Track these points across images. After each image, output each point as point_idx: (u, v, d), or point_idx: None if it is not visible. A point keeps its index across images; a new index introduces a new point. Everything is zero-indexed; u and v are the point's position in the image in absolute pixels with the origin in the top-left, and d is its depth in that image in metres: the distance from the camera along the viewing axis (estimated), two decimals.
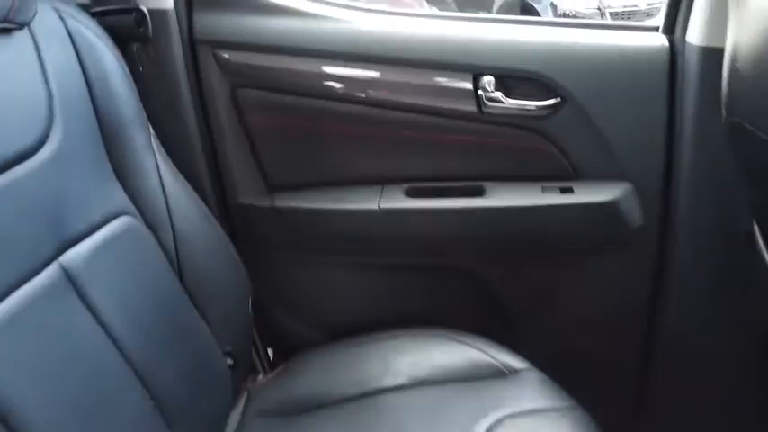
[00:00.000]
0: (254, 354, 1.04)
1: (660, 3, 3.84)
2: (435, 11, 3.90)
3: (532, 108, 0.90)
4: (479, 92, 0.90)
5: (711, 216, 0.91)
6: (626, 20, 3.90)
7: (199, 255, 0.80)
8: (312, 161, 1.00)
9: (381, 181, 0.98)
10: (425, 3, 3.69)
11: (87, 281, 0.62)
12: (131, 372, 0.65)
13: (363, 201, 0.97)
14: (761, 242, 0.75)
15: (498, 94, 0.89)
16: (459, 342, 0.90)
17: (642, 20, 3.85)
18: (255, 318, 0.95)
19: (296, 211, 0.99)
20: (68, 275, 0.61)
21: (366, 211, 0.96)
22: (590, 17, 3.94)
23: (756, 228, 0.76)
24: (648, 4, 3.86)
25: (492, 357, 0.87)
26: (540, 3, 4.14)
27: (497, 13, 3.96)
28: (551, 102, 0.89)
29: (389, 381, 0.85)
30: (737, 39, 0.63)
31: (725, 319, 0.96)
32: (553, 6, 4.09)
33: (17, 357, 0.54)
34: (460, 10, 4.05)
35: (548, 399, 0.79)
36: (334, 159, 1.00)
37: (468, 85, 0.90)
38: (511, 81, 0.90)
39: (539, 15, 4.09)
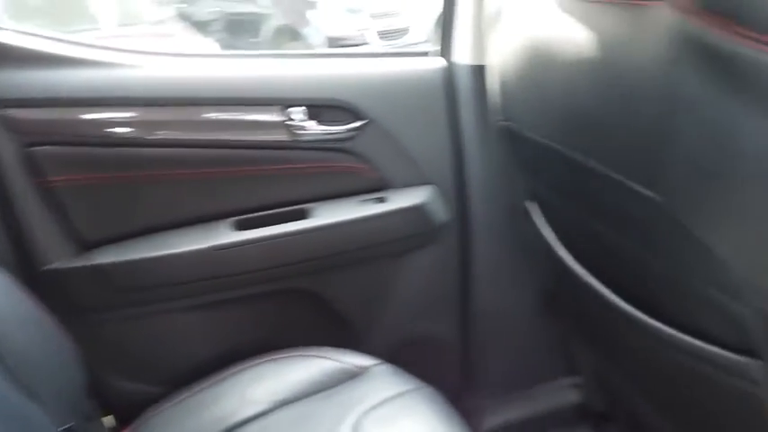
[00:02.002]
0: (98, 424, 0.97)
1: (414, 22, 4.30)
2: (206, 41, 3.88)
3: (340, 132, 0.99)
4: (289, 122, 0.97)
5: (498, 202, 1.09)
6: (390, 38, 4.29)
7: (15, 332, 0.73)
8: (129, 211, 0.97)
9: (207, 219, 0.99)
10: (191, 33, 3.65)
11: None
12: None
13: (191, 242, 0.96)
14: (535, 216, 0.94)
15: (309, 123, 0.97)
16: (310, 357, 0.95)
17: (401, 36, 4.27)
18: (92, 386, 0.89)
19: (118, 266, 0.94)
20: None
21: (195, 251, 0.96)
22: (355, 39, 4.25)
23: (531, 205, 0.95)
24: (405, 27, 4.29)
25: (343, 362, 0.93)
26: (307, 26, 4.34)
27: (271, 39, 4.08)
28: (357, 124, 1.00)
29: (250, 410, 0.85)
30: (502, 57, 0.78)
31: (520, 286, 1.15)
32: (319, 31, 4.32)
33: None
34: (230, 38, 4.09)
35: (399, 385, 0.87)
36: (152, 206, 0.98)
37: (279, 118, 0.96)
38: (319, 110, 0.98)
39: (308, 41, 4.29)
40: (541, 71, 0.71)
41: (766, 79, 0.43)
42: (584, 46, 0.61)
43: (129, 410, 1.00)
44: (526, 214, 0.97)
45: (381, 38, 4.24)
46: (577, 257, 0.85)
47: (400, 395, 0.86)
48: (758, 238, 0.49)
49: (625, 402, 1.05)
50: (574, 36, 0.63)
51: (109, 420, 1.04)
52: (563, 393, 1.25)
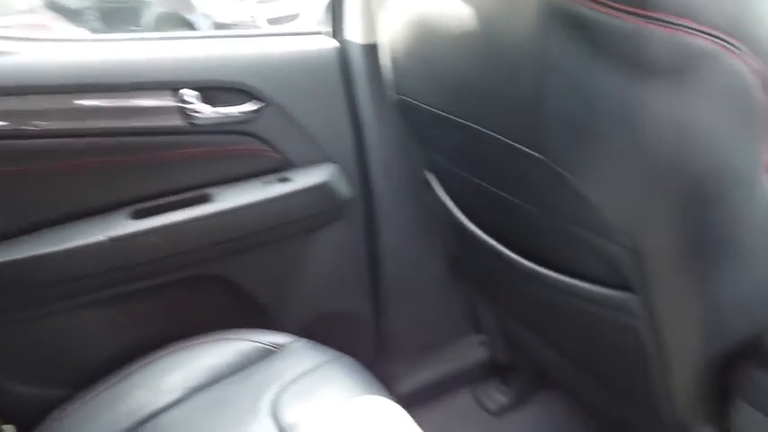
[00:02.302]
0: None
1: (305, 9, 4.26)
2: (82, 30, 3.64)
3: (237, 114, 0.98)
4: (183, 106, 0.95)
5: (399, 175, 1.13)
6: (279, 23, 4.22)
7: None
8: (18, 207, 0.91)
9: (106, 210, 0.95)
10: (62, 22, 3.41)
11: None
12: None
13: (86, 235, 0.92)
14: (435, 185, 0.99)
15: (203, 106, 0.96)
16: (224, 340, 0.94)
17: (290, 22, 4.22)
18: None
19: (8, 266, 0.89)
20: None
21: (91, 245, 0.92)
22: (244, 25, 4.15)
23: (430, 175, 0.99)
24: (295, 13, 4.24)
25: (258, 342, 0.93)
26: (193, 13, 4.18)
27: (154, 28, 3.88)
28: (253, 107, 0.99)
29: (162, 400, 0.84)
30: (392, 34, 0.81)
31: (426, 254, 1.21)
32: (206, 17, 4.17)
33: None
34: (107, 28, 3.86)
35: (316, 358, 0.89)
36: (44, 200, 0.92)
37: (172, 102, 0.94)
38: (215, 92, 0.97)
39: (195, 28, 4.13)
40: (429, 46, 0.74)
41: (617, 42, 0.49)
42: (466, 20, 0.65)
43: (33, 417, 0.95)
44: (426, 184, 1.01)
45: (271, 23, 4.17)
46: (475, 220, 0.90)
47: (318, 367, 0.88)
48: (620, 184, 0.55)
49: (528, 352, 1.14)
50: (456, 11, 0.67)
51: (9, 430, 0.98)
52: (472, 351, 1.33)
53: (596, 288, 0.70)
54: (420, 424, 0.79)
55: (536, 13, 0.55)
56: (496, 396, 1.27)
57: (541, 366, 1.13)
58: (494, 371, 1.32)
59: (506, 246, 0.84)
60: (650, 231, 0.58)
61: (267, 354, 0.92)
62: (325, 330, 1.01)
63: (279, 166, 1.05)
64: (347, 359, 0.90)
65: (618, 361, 0.78)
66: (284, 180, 1.04)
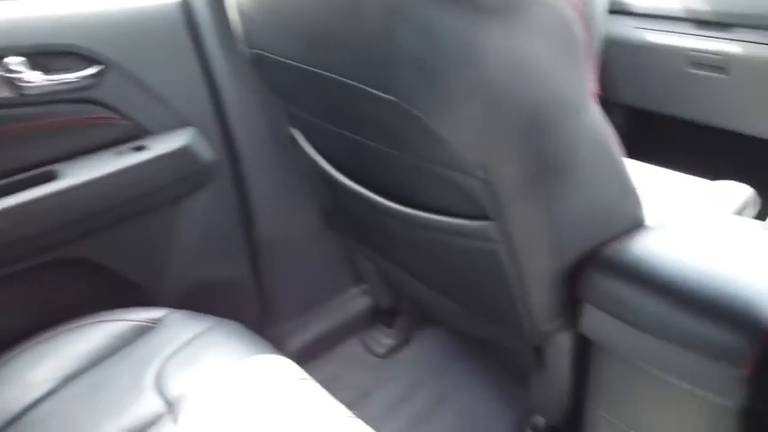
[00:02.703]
0: None
1: None
2: None
3: (74, 80, 0.90)
4: (9, 75, 0.86)
5: (263, 132, 1.11)
6: None
7: None
8: None
9: None
10: None
11: None
12: None
13: None
14: (299, 139, 0.98)
15: (34, 74, 0.87)
16: (96, 323, 0.89)
17: None
18: None
19: None
20: None
21: None
22: None
23: (294, 129, 0.98)
24: None
25: (133, 320, 0.89)
26: None
27: None
28: (93, 70, 0.92)
29: (34, 393, 0.79)
30: None
31: (300, 210, 1.21)
32: None
33: None
34: None
35: (196, 327, 0.87)
36: None
37: None
38: (46, 58, 0.88)
39: None
40: None
41: None
42: None
43: None
44: (292, 139, 1.00)
45: None
46: (341, 170, 0.91)
47: (200, 335, 0.86)
48: (469, 120, 0.59)
49: (406, 292, 1.19)
50: None
51: None
52: (355, 301, 1.36)
53: (458, 221, 0.74)
54: (312, 376, 0.80)
55: None
56: (383, 340, 1.32)
57: (421, 305, 1.19)
58: (379, 316, 1.37)
59: (373, 191, 0.86)
60: (499, 162, 0.62)
61: (144, 330, 0.88)
62: (206, 300, 0.99)
63: (132, 135, 0.99)
64: (230, 323, 0.89)
65: (485, 287, 0.84)
66: (139, 149, 0.98)
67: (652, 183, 1.07)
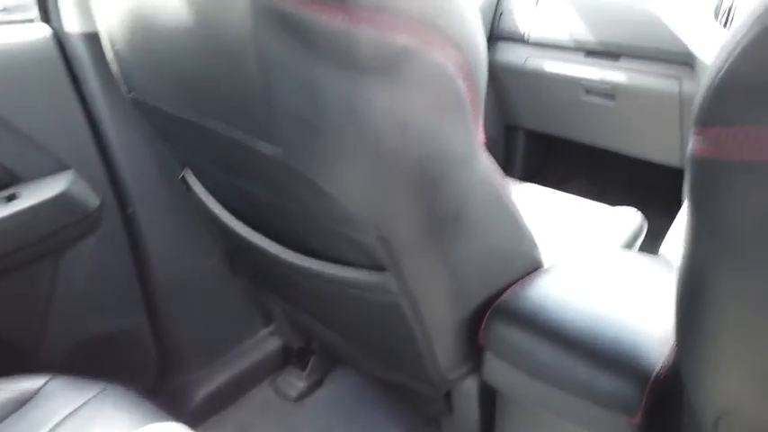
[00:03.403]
0: None
1: None
2: None
3: None
4: None
5: (154, 175, 1.03)
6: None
7: None
8: None
9: None
10: None
11: None
12: None
13: None
14: (192, 183, 0.92)
15: None
16: None
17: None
18: None
19: None
20: None
21: None
22: None
23: (187, 172, 0.93)
24: None
25: (7, 390, 0.81)
26: None
27: None
28: None
29: None
30: (110, 23, 0.71)
31: (198, 254, 1.14)
32: None
33: None
34: None
35: (79, 397, 0.79)
36: None
37: None
38: None
39: None
40: (149, 38, 0.67)
41: (329, 42, 0.48)
42: (182, 14, 0.60)
43: None
44: (184, 181, 0.94)
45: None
46: (236, 214, 0.87)
47: (83, 406, 0.79)
48: (356, 178, 0.56)
49: (314, 333, 1.15)
50: (170, 2, 0.61)
51: None
52: (265, 343, 1.30)
53: (356, 272, 0.71)
54: (221, 426, 0.75)
55: (247, 10, 0.52)
56: (295, 382, 1.27)
57: (328, 345, 1.15)
58: (290, 357, 1.31)
59: (271, 237, 0.82)
60: (391, 219, 0.60)
61: (20, 404, 0.80)
62: (99, 356, 0.90)
63: (4, 182, 0.90)
64: (116, 389, 0.82)
65: (389, 336, 0.81)
66: (11, 198, 0.90)
67: (551, 209, 1.09)
